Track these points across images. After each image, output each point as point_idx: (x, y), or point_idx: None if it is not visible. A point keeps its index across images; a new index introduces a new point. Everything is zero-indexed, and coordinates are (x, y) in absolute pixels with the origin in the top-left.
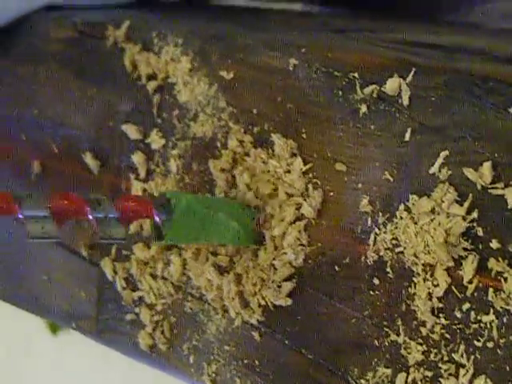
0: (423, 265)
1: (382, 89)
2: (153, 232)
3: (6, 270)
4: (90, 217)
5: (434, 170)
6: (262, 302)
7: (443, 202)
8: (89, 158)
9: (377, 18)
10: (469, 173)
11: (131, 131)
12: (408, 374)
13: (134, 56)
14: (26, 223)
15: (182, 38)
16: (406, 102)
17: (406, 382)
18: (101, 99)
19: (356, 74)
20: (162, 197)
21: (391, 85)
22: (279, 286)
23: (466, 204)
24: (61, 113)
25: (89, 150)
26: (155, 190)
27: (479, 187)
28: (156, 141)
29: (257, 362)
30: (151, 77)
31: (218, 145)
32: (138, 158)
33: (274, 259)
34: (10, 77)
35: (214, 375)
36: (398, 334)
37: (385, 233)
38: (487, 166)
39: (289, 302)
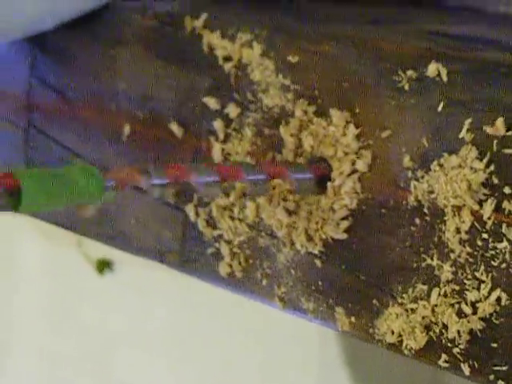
0: (452, 207)
1: (422, 72)
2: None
3: (102, 216)
4: None
5: (462, 134)
6: (323, 237)
7: (467, 158)
8: (174, 127)
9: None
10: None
11: (211, 103)
12: (440, 288)
13: (210, 42)
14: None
15: (253, 28)
16: (445, 79)
17: (439, 294)
18: (182, 77)
19: (397, 61)
20: None
21: (431, 69)
22: (338, 224)
23: (485, 160)
24: (147, 88)
25: (174, 118)
26: (232, 150)
27: (495, 148)
28: (233, 111)
29: (319, 283)
30: (227, 59)
31: (286, 115)
32: (218, 124)
33: (333, 203)
34: (101, 57)
35: (283, 295)
36: (433, 259)
37: (422, 183)
38: (500, 120)
39: (345, 236)
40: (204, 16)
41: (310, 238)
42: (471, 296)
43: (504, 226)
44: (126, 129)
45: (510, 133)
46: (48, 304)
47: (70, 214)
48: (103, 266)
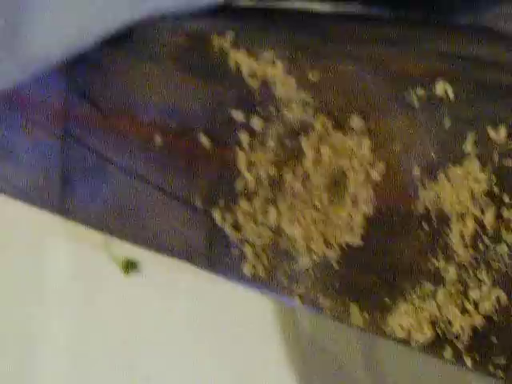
0: (457, 213)
1: (431, 90)
2: None
3: (129, 219)
4: None
5: (466, 147)
6: (340, 242)
7: (471, 170)
8: (203, 138)
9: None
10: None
11: (237, 115)
12: (446, 288)
13: (236, 59)
14: None
15: (276, 48)
16: (451, 97)
17: (445, 293)
18: (211, 92)
19: (408, 80)
20: None
21: (439, 88)
22: (354, 231)
23: (487, 171)
24: (177, 100)
25: (202, 129)
26: (256, 160)
27: (496, 160)
28: (257, 124)
29: (336, 283)
30: (252, 75)
31: (307, 128)
32: (243, 136)
33: (351, 212)
34: (134, 71)
35: (302, 293)
36: (439, 261)
37: (430, 191)
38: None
39: (361, 243)
40: (230, 35)
41: (327, 245)
42: (473, 295)
43: (504, 231)
44: (157, 139)
45: (509, 143)
46: (75, 303)
47: (102, 216)
48: (129, 266)
